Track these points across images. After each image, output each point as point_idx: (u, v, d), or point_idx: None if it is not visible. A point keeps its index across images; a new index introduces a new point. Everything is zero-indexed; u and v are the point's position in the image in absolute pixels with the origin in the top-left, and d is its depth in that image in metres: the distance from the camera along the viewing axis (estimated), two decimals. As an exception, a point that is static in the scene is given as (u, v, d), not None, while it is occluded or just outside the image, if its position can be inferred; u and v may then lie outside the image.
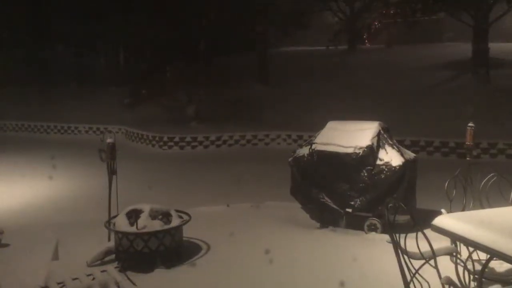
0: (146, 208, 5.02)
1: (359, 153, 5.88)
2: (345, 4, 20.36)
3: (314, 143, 6.33)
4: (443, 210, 4.04)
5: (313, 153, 6.25)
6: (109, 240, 5.28)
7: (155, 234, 4.82)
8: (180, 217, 5.22)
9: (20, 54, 18.35)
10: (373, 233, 5.83)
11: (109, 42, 18.35)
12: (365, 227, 5.90)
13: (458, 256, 3.68)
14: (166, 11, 15.08)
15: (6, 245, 5.42)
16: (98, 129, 14.61)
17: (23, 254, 5.18)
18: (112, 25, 16.47)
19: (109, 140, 5.28)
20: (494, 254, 3.04)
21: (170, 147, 12.60)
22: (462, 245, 3.65)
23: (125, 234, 4.84)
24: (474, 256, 3.92)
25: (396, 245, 3.04)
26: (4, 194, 8.40)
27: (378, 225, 5.82)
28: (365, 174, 5.88)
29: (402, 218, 3.99)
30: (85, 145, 12.06)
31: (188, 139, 12.58)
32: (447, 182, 4.17)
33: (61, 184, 9.08)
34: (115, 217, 5.16)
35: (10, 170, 10.35)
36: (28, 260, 5.04)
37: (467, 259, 3.78)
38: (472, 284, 3.81)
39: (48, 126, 15.57)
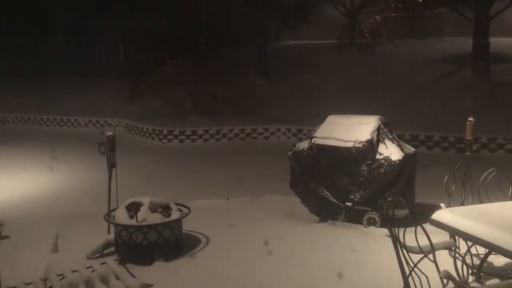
0: (145, 201, 5.03)
1: (359, 147, 5.89)
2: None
3: (313, 137, 6.33)
4: (442, 205, 4.06)
5: (313, 147, 6.25)
6: (108, 232, 5.30)
7: (154, 227, 4.83)
8: (180, 210, 5.23)
9: (19, 45, 18.30)
10: (372, 227, 5.85)
11: (109, 35, 18.29)
12: (364, 221, 5.92)
13: (457, 250, 3.69)
14: (166, 4, 15.03)
15: (6, 237, 5.44)
16: (97, 121, 14.59)
17: (23, 246, 5.19)
18: (112, 18, 16.41)
19: (108, 133, 5.28)
20: (492, 248, 3.05)
21: (169, 140, 12.60)
22: (461, 239, 3.66)
23: (125, 227, 4.85)
24: (473, 251, 3.93)
25: (395, 239, 3.05)
26: (4, 187, 8.41)
27: (377, 219, 5.83)
28: (365, 168, 5.88)
29: (401, 212, 4.01)
30: (85, 138, 12.06)
31: (187, 132, 12.58)
32: (446, 177, 4.18)
33: (60, 176, 9.08)
34: (115, 210, 5.17)
35: (9, 162, 10.35)
36: (28, 252, 5.05)
37: (465, 254, 3.79)
38: (471, 278, 3.83)
39: (47, 118, 15.54)
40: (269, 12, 16.14)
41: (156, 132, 12.75)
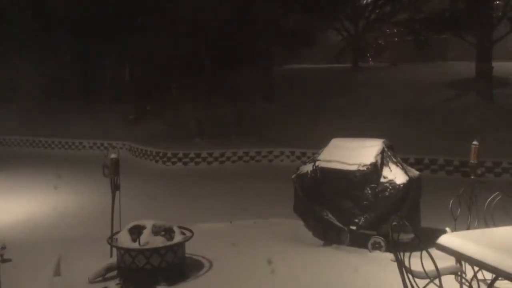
0: (148, 224, 5.00)
1: (363, 170, 5.86)
2: (349, 22, 20.52)
3: (317, 160, 6.32)
4: (447, 229, 4.02)
5: (317, 170, 6.23)
6: (111, 256, 5.26)
7: (157, 250, 4.79)
8: (183, 233, 5.19)
9: (25, 69, 18.48)
10: (377, 251, 5.79)
11: (115, 59, 18.50)
12: (369, 245, 5.86)
13: (463, 275, 3.64)
14: (171, 29, 15.22)
15: (8, 260, 5.40)
16: (102, 144, 14.65)
17: (25, 270, 5.15)
18: (118, 42, 16.61)
19: (112, 156, 5.29)
20: (499, 273, 3.00)
21: (173, 163, 12.61)
22: (467, 264, 3.61)
23: (127, 250, 4.81)
24: (480, 276, 3.87)
25: (400, 264, 3.01)
26: (7, 210, 8.39)
27: (382, 243, 5.77)
28: (369, 191, 5.85)
29: (406, 237, 3.97)
30: (89, 161, 12.09)
31: (191, 155, 12.59)
32: (451, 201, 4.15)
33: (64, 199, 9.07)
34: (117, 233, 5.15)
35: (13, 185, 10.35)
36: (30, 275, 5.01)
37: (472, 279, 3.74)
38: (478, 304, 3.76)
39: (52, 141, 15.62)
40: (273, 37, 16.31)
41: (160, 154, 12.77)
